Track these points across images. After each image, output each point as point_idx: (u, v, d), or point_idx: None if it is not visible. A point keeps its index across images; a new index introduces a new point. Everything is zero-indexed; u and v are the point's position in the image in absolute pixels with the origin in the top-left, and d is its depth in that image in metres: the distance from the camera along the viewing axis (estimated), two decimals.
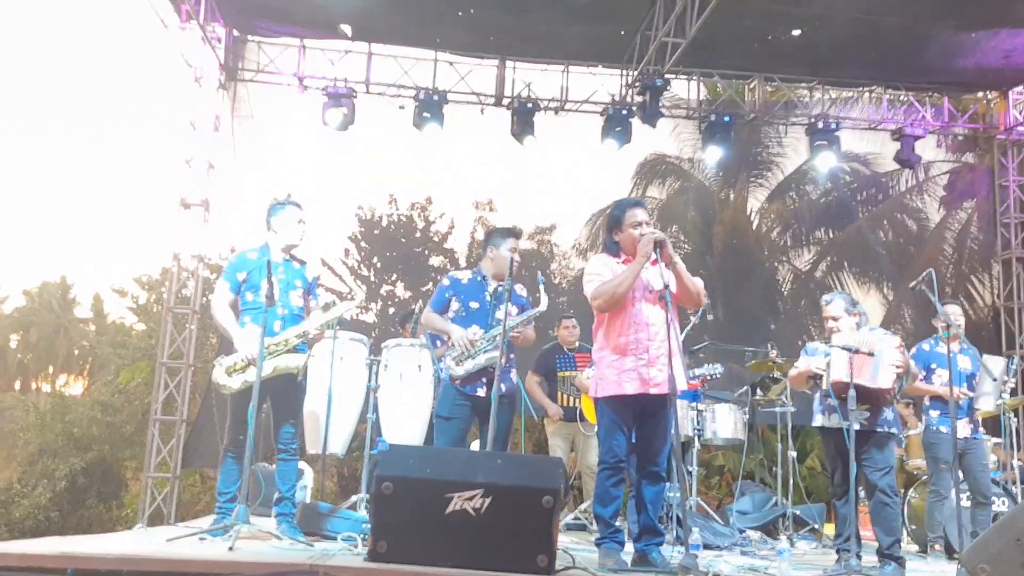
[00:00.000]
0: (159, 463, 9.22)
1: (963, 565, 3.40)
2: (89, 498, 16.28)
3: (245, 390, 4.68)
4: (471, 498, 3.49)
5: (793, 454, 7.22)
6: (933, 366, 6.15)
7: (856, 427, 4.86)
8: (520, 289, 5.23)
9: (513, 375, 5.04)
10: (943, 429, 5.99)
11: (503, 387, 4.94)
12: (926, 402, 6.30)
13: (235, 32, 9.69)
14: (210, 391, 9.42)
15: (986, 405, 6.11)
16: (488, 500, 3.49)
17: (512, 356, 5.09)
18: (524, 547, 3.49)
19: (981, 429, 6.30)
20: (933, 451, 6.12)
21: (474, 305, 5.13)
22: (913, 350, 6.26)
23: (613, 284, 4.38)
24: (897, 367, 4.96)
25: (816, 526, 7.11)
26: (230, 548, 3.92)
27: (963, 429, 6.08)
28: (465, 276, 5.30)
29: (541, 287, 5.00)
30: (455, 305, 5.15)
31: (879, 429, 4.98)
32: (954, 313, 6.20)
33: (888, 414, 5.08)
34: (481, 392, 4.97)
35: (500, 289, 5.04)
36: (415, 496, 3.56)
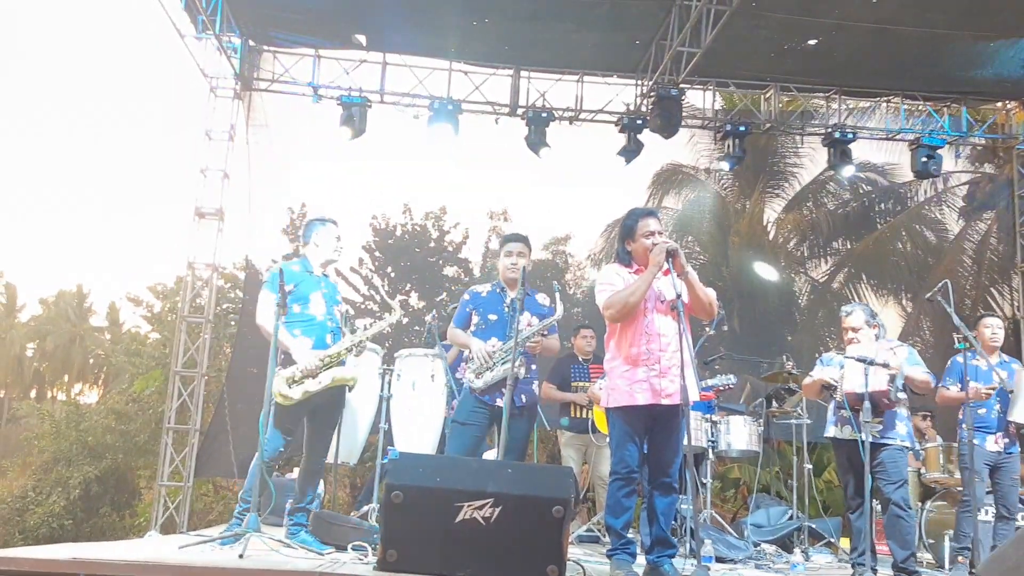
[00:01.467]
0: (172, 472, 9.23)
1: None
2: (103, 506, 16.35)
3: (304, 401, 4.77)
4: (481, 507, 3.45)
5: (809, 467, 7.14)
6: (968, 379, 6.05)
7: (869, 439, 4.80)
8: (542, 299, 5.20)
9: (535, 387, 5.00)
10: (976, 441, 5.90)
11: (523, 398, 4.94)
12: (959, 415, 6.19)
13: (251, 42, 9.73)
14: (223, 400, 9.44)
15: (1020, 417, 5.99)
16: (498, 510, 3.46)
17: (534, 368, 5.03)
18: (534, 557, 3.45)
19: (1016, 445, 6.18)
20: (966, 462, 6.02)
21: (492, 317, 5.12)
22: (948, 363, 6.19)
23: (625, 294, 4.34)
24: (887, 371, 4.93)
25: (832, 540, 7.01)
26: (240, 556, 3.90)
27: (996, 443, 5.99)
28: (484, 289, 5.31)
29: (556, 295, 4.97)
30: (475, 319, 5.15)
31: (891, 441, 4.92)
32: (994, 326, 6.14)
33: (901, 427, 5.03)
34: (500, 402, 4.92)
35: (516, 300, 5.01)
36: (425, 505, 3.53)
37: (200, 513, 14.08)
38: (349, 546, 4.37)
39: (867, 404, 4.76)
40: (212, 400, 10.43)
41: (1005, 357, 6.21)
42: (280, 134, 9.88)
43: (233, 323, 14.38)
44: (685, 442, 4.18)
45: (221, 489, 15.20)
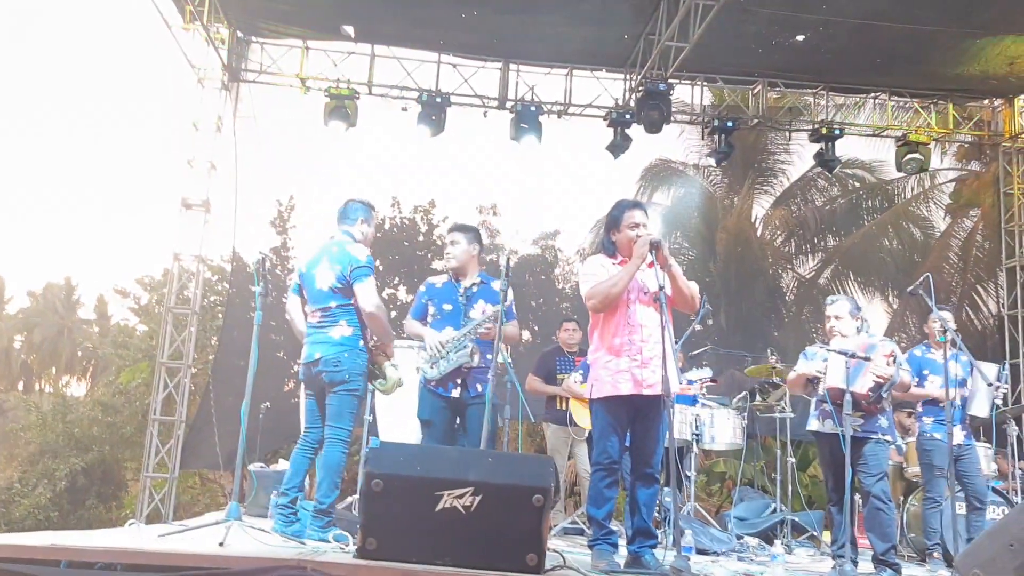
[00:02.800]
0: (157, 463, 9.22)
1: (957, 570, 3.37)
2: (89, 498, 16.30)
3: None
4: (461, 496, 3.46)
5: (793, 461, 7.18)
6: (925, 372, 6.12)
7: (850, 433, 4.84)
8: (497, 285, 5.21)
9: (491, 376, 4.99)
10: (937, 436, 5.98)
11: (478, 387, 5.03)
12: (919, 409, 6.27)
13: (238, 33, 9.70)
14: (208, 392, 9.42)
15: (980, 411, 6.07)
16: (478, 498, 3.46)
17: (489, 357, 5.02)
18: (514, 545, 3.45)
19: (972, 437, 6.27)
20: (928, 458, 6.09)
21: (447, 307, 5.21)
22: (904, 356, 6.24)
23: (608, 285, 4.36)
24: (877, 377, 4.95)
25: (815, 533, 7.05)
26: (220, 544, 3.89)
27: (957, 436, 6.05)
28: (440, 280, 5.39)
29: (505, 280, 4.85)
30: (431, 309, 5.25)
31: (872, 435, 4.96)
32: (945, 318, 6.18)
33: (883, 421, 5.07)
34: (455, 393, 5.06)
35: (472, 289, 5.17)
36: (405, 493, 3.52)
37: (186, 505, 14.05)
38: (330, 535, 4.37)
39: (848, 397, 4.79)
40: (199, 392, 10.41)
41: (959, 349, 6.26)
42: (267, 126, 9.85)
43: (220, 315, 14.33)
44: (670, 434, 4.20)
45: (207, 481, 15.18)
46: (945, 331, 5.14)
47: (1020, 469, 7.22)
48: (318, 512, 4.55)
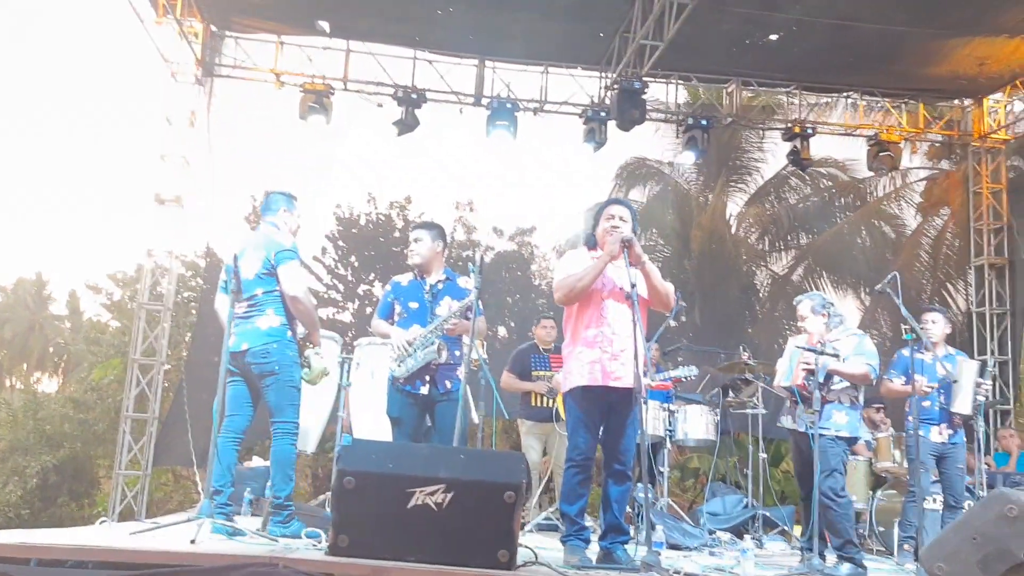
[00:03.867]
0: (130, 460, 9.15)
1: (921, 564, 3.42)
2: (61, 496, 16.10)
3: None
4: (433, 493, 3.48)
5: (764, 456, 7.26)
6: (913, 372, 6.19)
7: (801, 429, 4.93)
8: (464, 283, 5.26)
9: (460, 372, 5.00)
10: (921, 432, 6.03)
11: (447, 384, 5.04)
12: (905, 408, 6.32)
13: (212, 27, 9.62)
14: (182, 389, 9.36)
15: (962, 408, 6.14)
16: (450, 495, 3.48)
17: (458, 354, 5.07)
18: (485, 542, 3.48)
19: (960, 435, 6.32)
20: (911, 452, 6.15)
21: (414, 305, 5.22)
22: (894, 356, 6.33)
23: (574, 279, 4.41)
24: (804, 363, 5.06)
25: (786, 527, 7.13)
26: (192, 541, 3.88)
27: (940, 434, 6.14)
28: (405, 278, 5.39)
29: (473, 275, 4.87)
30: (398, 308, 5.27)
31: (825, 432, 5.02)
32: (931, 320, 6.26)
33: (839, 417, 5.13)
34: (424, 390, 5.06)
35: (438, 286, 5.20)
36: (377, 491, 3.54)
37: (159, 502, 13.94)
38: (303, 532, 4.37)
39: (807, 394, 4.91)
40: (172, 389, 10.34)
41: (951, 350, 6.36)
42: (241, 121, 9.81)
43: (193, 311, 14.24)
44: (642, 430, 4.24)
45: (181, 478, 15.06)
46: (913, 329, 5.19)
47: (986, 465, 7.33)
48: (276, 507, 4.54)
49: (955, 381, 6.03)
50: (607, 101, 9.89)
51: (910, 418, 6.15)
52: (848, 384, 5.23)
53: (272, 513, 4.55)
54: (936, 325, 6.26)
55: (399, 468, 3.57)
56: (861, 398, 5.34)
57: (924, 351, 6.02)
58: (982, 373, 6.35)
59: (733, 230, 15.23)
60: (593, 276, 4.37)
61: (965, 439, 6.33)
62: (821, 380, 5.07)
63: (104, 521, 4.90)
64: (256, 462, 8.18)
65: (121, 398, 9.97)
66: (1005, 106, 10.90)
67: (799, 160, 10.42)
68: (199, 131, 9.55)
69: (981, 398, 6.38)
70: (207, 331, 10.00)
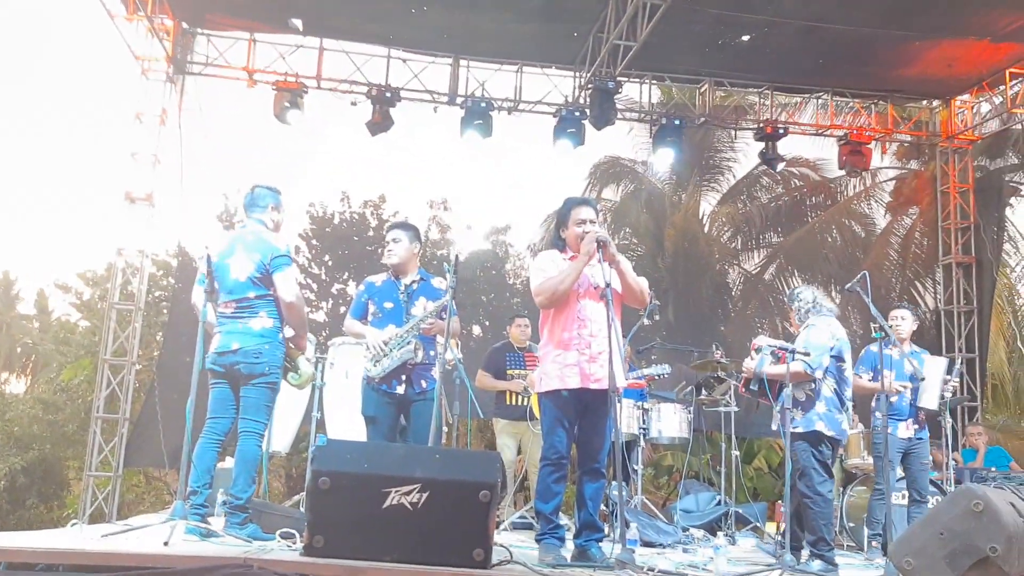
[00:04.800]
0: (101, 462, 9.05)
1: (890, 559, 3.48)
2: (30, 498, 15.89)
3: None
4: (408, 492, 3.48)
5: (737, 454, 7.32)
6: (880, 367, 6.27)
7: (774, 427, 5.00)
8: (438, 283, 5.28)
9: (435, 372, 5.00)
10: (888, 429, 6.11)
11: (423, 383, 5.07)
12: (872, 404, 6.41)
13: (184, 24, 9.54)
14: (154, 389, 9.28)
15: (929, 404, 6.25)
16: (425, 495, 3.49)
17: (432, 353, 5.09)
18: (460, 541, 3.49)
19: (926, 430, 6.44)
20: (878, 450, 6.23)
21: (389, 305, 5.23)
22: (862, 352, 6.42)
23: (555, 281, 4.42)
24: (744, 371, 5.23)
25: (758, 524, 7.20)
26: (165, 543, 3.85)
27: (907, 430, 6.24)
28: (379, 279, 5.40)
29: (448, 276, 4.89)
30: (372, 308, 5.27)
31: (790, 430, 5.04)
32: (900, 316, 6.37)
33: (796, 414, 5.10)
34: (400, 390, 5.08)
35: (413, 286, 5.21)
36: (352, 491, 3.54)
37: (131, 504, 13.80)
38: (277, 533, 4.35)
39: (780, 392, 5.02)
40: (143, 389, 10.24)
41: (916, 347, 6.48)
42: (213, 118, 9.73)
43: (165, 311, 14.10)
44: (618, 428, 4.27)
45: (153, 479, 14.92)
46: (882, 327, 5.26)
47: (954, 460, 7.45)
48: (234, 508, 4.49)
49: (923, 379, 6.15)
50: (581, 100, 9.93)
51: (877, 414, 6.22)
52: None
53: (230, 514, 4.52)
54: (905, 322, 6.37)
55: (374, 468, 3.57)
56: (824, 391, 5.15)
57: (891, 347, 6.11)
58: (950, 370, 6.48)
59: (706, 229, 15.33)
60: (574, 277, 4.39)
61: (928, 434, 6.44)
62: (756, 384, 5.11)
63: (75, 523, 4.84)
64: (230, 463, 8.12)
65: (91, 399, 9.87)
66: (972, 107, 11.07)
67: (770, 160, 10.52)
68: (170, 129, 9.46)
69: (948, 394, 6.51)
70: (179, 331, 9.92)
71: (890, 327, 5.95)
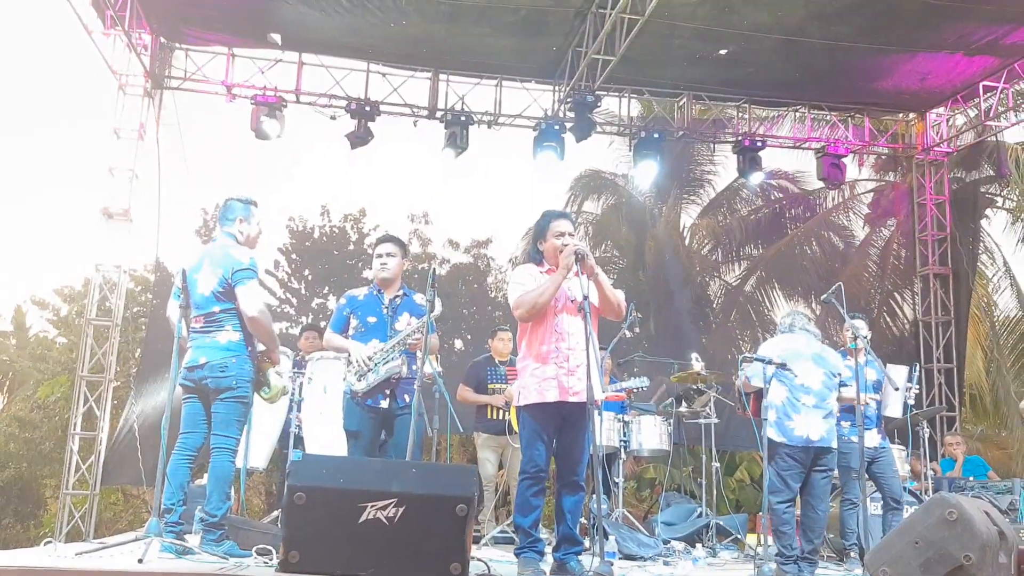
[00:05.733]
0: (78, 480, 8.94)
1: (866, 568, 3.49)
2: (6, 517, 15.71)
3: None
4: (384, 507, 3.46)
5: (717, 466, 7.33)
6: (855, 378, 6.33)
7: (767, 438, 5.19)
8: (420, 299, 5.25)
9: (415, 385, 5.00)
10: (854, 439, 6.16)
11: (406, 397, 5.05)
12: (837, 413, 6.45)
13: (162, 39, 9.51)
14: (132, 406, 9.18)
15: (894, 412, 6.34)
16: (401, 509, 3.47)
17: (415, 368, 5.06)
18: (437, 555, 3.47)
19: (887, 439, 6.53)
20: (845, 460, 6.26)
21: (372, 320, 5.22)
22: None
23: (535, 295, 4.42)
24: None
25: (739, 536, 7.21)
26: (140, 560, 3.82)
27: (873, 438, 6.29)
28: (361, 292, 5.40)
29: (432, 292, 4.85)
30: (354, 322, 5.26)
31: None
32: (859, 326, 6.42)
33: (766, 429, 5.29)
34: (384, 404, 5.08)
35: (396, 301, 5.22)
36: (328, 506, 3.51)
37: (109, 522, 13.64)
38: (253, 549, 4.32)
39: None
40: (121, 406, 10.12)
41: (872, 355, 6.52)
42: (192, 133, 9.66)
43: (143, 327, 13.98)
44: (597, 441, 4.26)
45: (131, 497, 14.77)
46: (856, 338, 5.32)
47: (932, 470, 7.50)
48: (210, 525, 4.45)
49: (897, 388, 6.22)
50: (561, 114, 9.97)
51: (842, 423, 6.26)
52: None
53: (206, 531, 4.47)
54: (866, 331, 6.44)
55: (350, 483, 3.55)
56: (774, 399, 5.39)
57: (850, 358, 6.20)
58: (910, 377, 6.58)
59: (687, 242, 15.40)
60: (553, 291, 4.39)
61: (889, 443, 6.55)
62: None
63: (49, 542, 4.77)
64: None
65: (68, 416, 9.75)
66: (947, 120, 11.19)
67: (747, 173, 10.57)
68: (148, 144, 9.40)
69: (911, 401, 6.61)
70: (157, 347, 9.83)
71: (864, 337, 6.10)
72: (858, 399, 5.25)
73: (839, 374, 5.59)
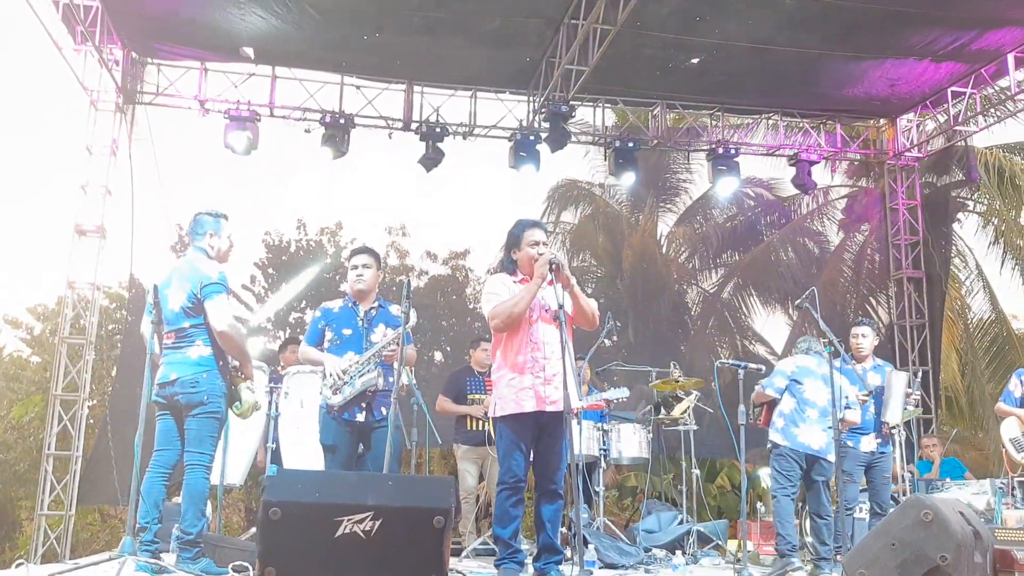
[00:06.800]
0: (53, 500, 8.81)
1: (844, 570, 3.51)
2: None
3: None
4: (361, 521, 3.42)
5: (697, 472, 7.34)
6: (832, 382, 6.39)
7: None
8: (396, 310, 5.23)
9: (392, 397, 4.97)
10: (850, 443, 6.20)
11: (383, 410, 5.01)
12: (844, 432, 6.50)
13: (133, 54, 9.44)
14: (107, 424, 9.07)
15: (893, 417, 6.35)
16: (378, 522, 3.43)
17: (391, 380, 5.03)
18: (415, 568, 3.44)
19: (890, 444, 6.53)
20: (839, 464, 6.31)
21: (347, 332, 5.20)
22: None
23: (509, 305, 4.41)
24: None
25: (719, 542, 7.21)
26: None
27: (871, 443, 6.31)
28: (336, 304, 5.37)
29: (407, 304, 4.84)
30: (329, 335, 5.23)
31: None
32: (861, 334, 6.48)
33: (773, 434, 5.73)
34: (360, 417, 5.05)
35: (372, 313, 5.20)
36: (304, 521, 3.47)
37: (86, 542, 13.47)
38: (230, 567, 4.27)
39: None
40: (97, 425, 10.00)
41: (878, 361, 6.57)
42: (165, 149, 9.60)
43: (118, 344, 13.84)
44: (576, 450, 4.27)
45: (108, 517, 14.58)
46: (831, 342, 5.35)
47: (909, 472, 7.54)
48: (185, 543, 4.39)
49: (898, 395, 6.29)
50: (536, 124, 9.99)
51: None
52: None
53: (182, 549, 4.42)
54: (866, 339, 6.51)
55: (325, 497, 3.51)
56: (783, 408, 5.90)
57: (853, 363, 6.24)
58: (910, 383, 6.60)
59: (664, 250, 15.47)
60: (528, 300, 4.39)
61: (892, 448, 6.54)
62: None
63: (21, 564, 4.70)
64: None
65: (43, 436, 9.62)
66: (917, 125, 11.33)
67: (718, 179, 10.62)
68: (121, 160, 9.32)
69: (911, 407, 6.63)
70: (132, 365, 9.72)
71: (856, 345, 6.43)
72: (835, 403, 5.27)
73: (846, 396, 5.84)
